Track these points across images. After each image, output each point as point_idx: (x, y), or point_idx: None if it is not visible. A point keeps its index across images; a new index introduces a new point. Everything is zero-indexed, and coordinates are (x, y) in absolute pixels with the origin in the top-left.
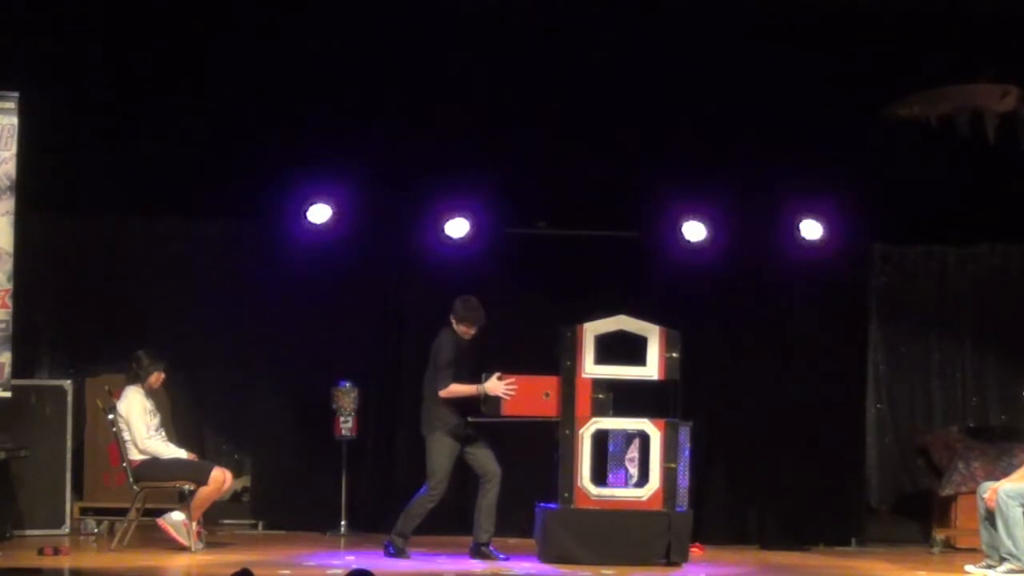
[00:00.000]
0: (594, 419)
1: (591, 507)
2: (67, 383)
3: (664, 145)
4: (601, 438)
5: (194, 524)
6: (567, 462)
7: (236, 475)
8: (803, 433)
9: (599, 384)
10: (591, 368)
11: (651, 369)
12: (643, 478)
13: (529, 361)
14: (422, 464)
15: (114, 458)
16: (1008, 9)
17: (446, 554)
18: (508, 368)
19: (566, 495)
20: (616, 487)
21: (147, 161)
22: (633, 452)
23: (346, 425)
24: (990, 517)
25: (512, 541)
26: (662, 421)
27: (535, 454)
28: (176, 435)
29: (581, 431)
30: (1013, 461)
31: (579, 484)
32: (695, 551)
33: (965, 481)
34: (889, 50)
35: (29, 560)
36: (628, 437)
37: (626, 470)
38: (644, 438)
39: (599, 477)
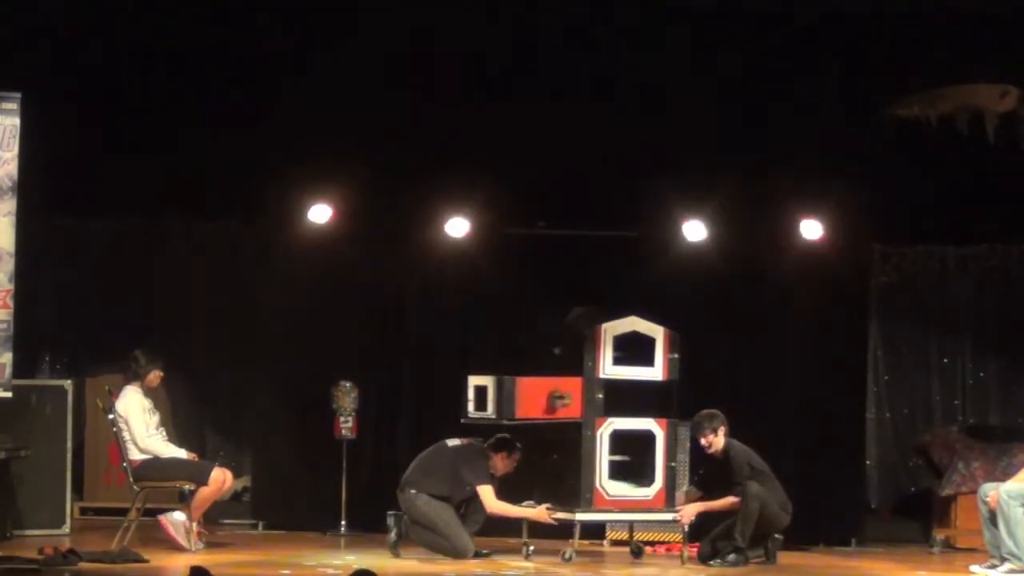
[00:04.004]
0: (610, 420)
1: (606, 507)
2: (67, 383)
3: (664, 145)
4: (617, 438)
5: (194, 524)
6: (588, 463)
7: (236, 475)
8: (803, 433)
9: (598, 384)
10: (610, 369)
11: (657, 370)
12: (648, 478)
13: (528, 361)
14: None
15: (114, 458)
16: (1008, 9)
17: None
18: (507, 368)
19: (587, 496)
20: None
21: (147, 161)
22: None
23: (346, 425)
24: (992, 517)
25: (512, 541)
26: (665, 420)
27: (535, 454)
28: (176, 435)
29: (599, 432)
30: (1013, 461)
31: (597, 485)
32: (695, 551)
33: (965, 481)
34: (889, 50)
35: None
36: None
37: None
38: (650, 438)
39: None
